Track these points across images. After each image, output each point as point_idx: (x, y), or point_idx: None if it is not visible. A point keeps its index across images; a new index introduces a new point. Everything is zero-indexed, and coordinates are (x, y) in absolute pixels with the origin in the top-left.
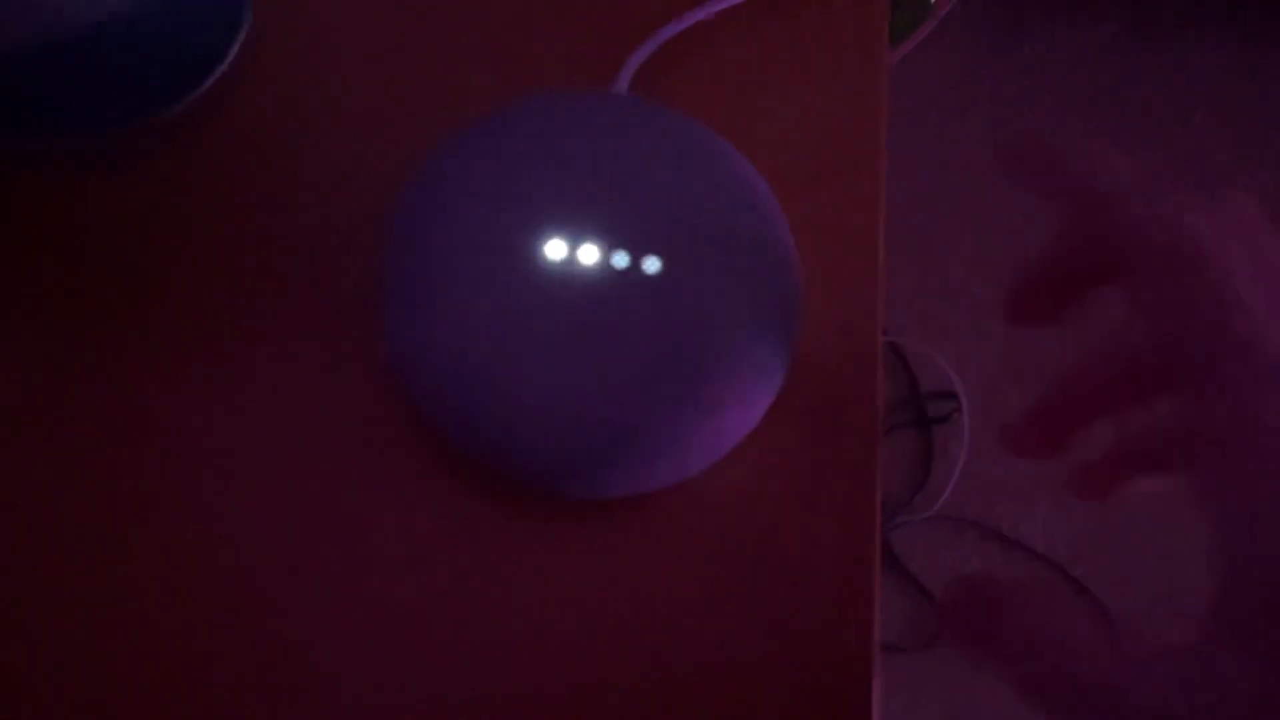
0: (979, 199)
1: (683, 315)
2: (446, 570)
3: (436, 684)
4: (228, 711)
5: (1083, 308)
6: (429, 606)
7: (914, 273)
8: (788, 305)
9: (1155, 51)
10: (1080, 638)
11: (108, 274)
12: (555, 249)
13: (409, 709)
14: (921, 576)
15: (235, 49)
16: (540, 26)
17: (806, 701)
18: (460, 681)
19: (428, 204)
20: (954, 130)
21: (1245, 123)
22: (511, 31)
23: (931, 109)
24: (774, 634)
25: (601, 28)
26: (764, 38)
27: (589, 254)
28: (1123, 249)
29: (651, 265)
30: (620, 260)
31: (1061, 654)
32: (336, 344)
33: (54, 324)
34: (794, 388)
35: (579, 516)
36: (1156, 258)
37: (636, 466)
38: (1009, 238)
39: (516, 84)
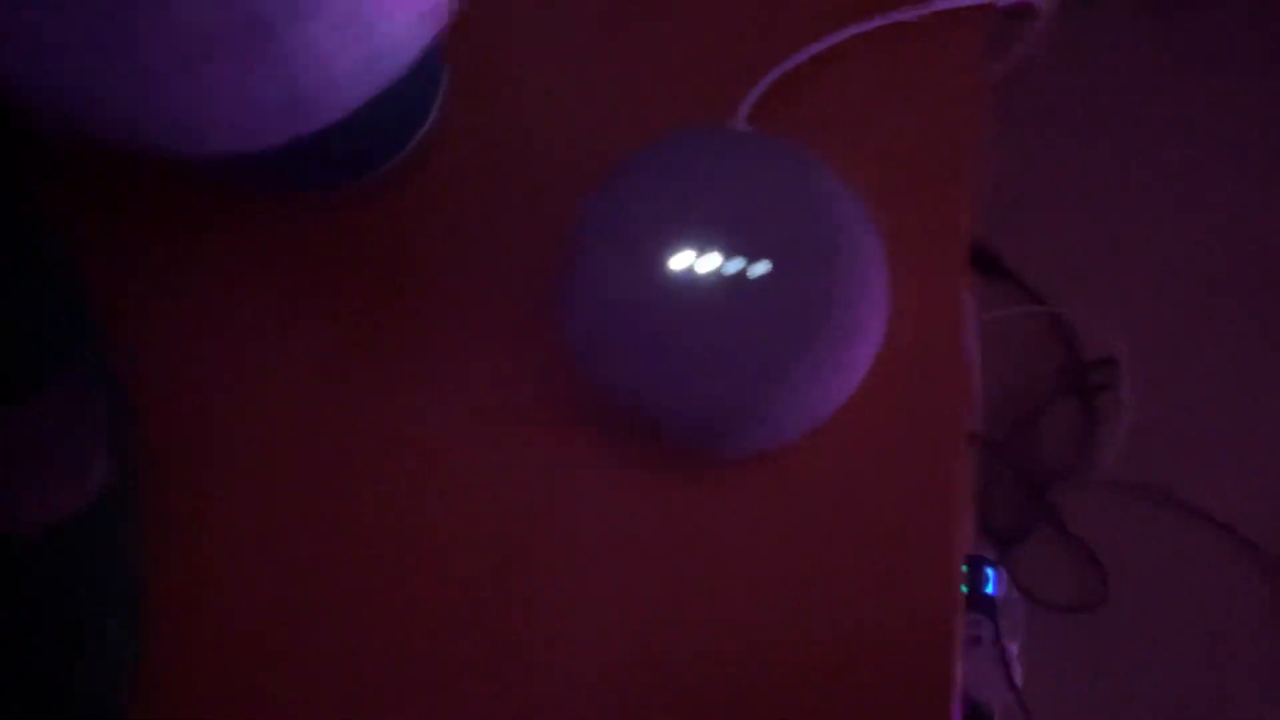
0: (1150, 166)
1: (781, 308)
2: (612, 514)
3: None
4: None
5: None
6: (592, 543)
7: (1080, 239)
8: (869, 303)
9: None
10: None
11: (352, 284)
12: (687, 258)
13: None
14: (1088, 540)
15: (434, 114)
16: (674, 70)
17: (891, 653)
18: (617, 601)
19: (597, 224)
20: (1122, 97)
21: None
22: (652, 77)
23: (1099, 75)
24: (863, 581)
25: (722, 68)
26: (866, 70)
27: (712, 261)
28: None
29: (760, 269)
30: (735, 265)
31: None
32: (519, 334)
33: (297, 322)
34: (882, 372)
35: (712, 472)
36: None
37: (753, 426)
38: (1179, 205)
39: (661, 119)
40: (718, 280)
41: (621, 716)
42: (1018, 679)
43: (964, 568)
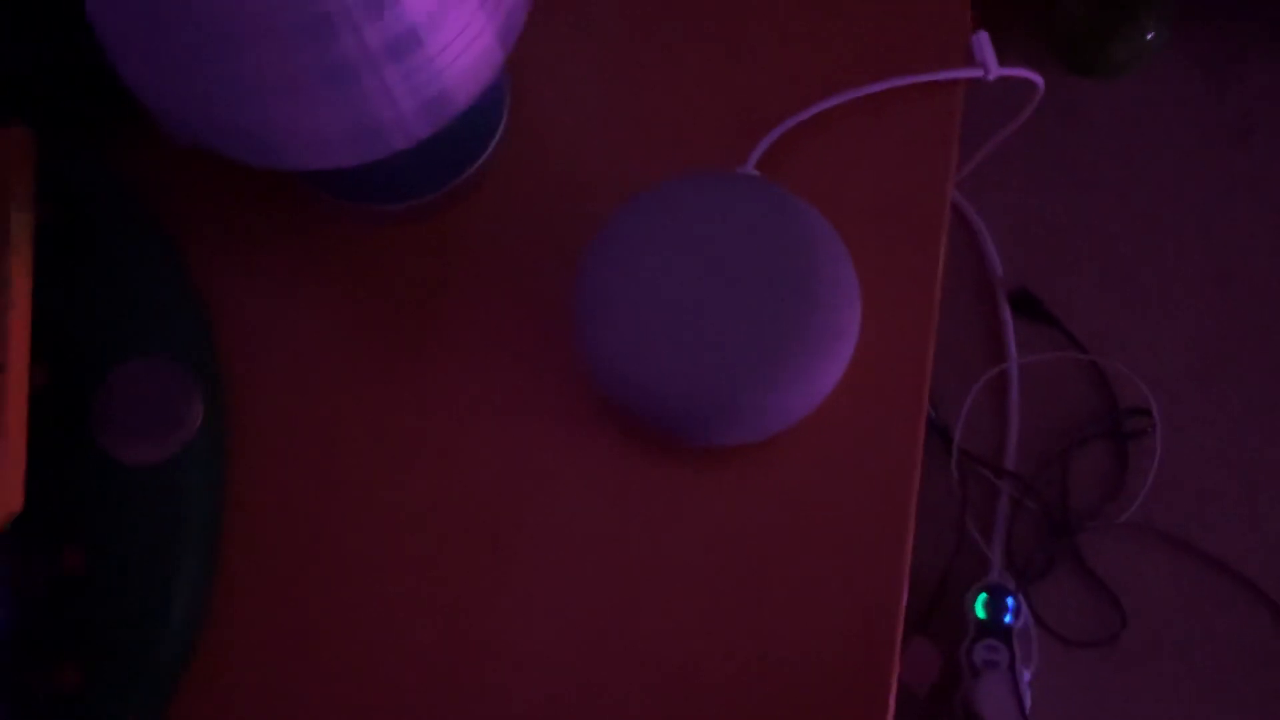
0: (1198, 229)
1: (763, 324)
2: (614, 496)
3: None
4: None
5: None
6: (591, 522)
7: (1125, 293)
8: (840, 325)
9: None
10: None
11: (405, 285)
12: (689, 278)
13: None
14: (1107, 580)
15: (493, 144)
16: (698, 121)
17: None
18: (604, 579)
19: (608, 252)
20: (1171, 164)
21: None
22: (677, 124)
23: (1147, 143)
24: (816, 568)
25: (741, 118)
26: (861, 128)
27: (706, 283)
28: None
29: (747, 288)
30: (730, 286)
31: None
32: (540, 337)
33: (364, 317)
34: (851, 388)
35: (698, 459)
36: None
37: (737, 422)
38: (1221, 270)
39: (679, 161)
40: (711, 296)
41: (594, 685)
42: (1027, 705)
43: (984, 594)
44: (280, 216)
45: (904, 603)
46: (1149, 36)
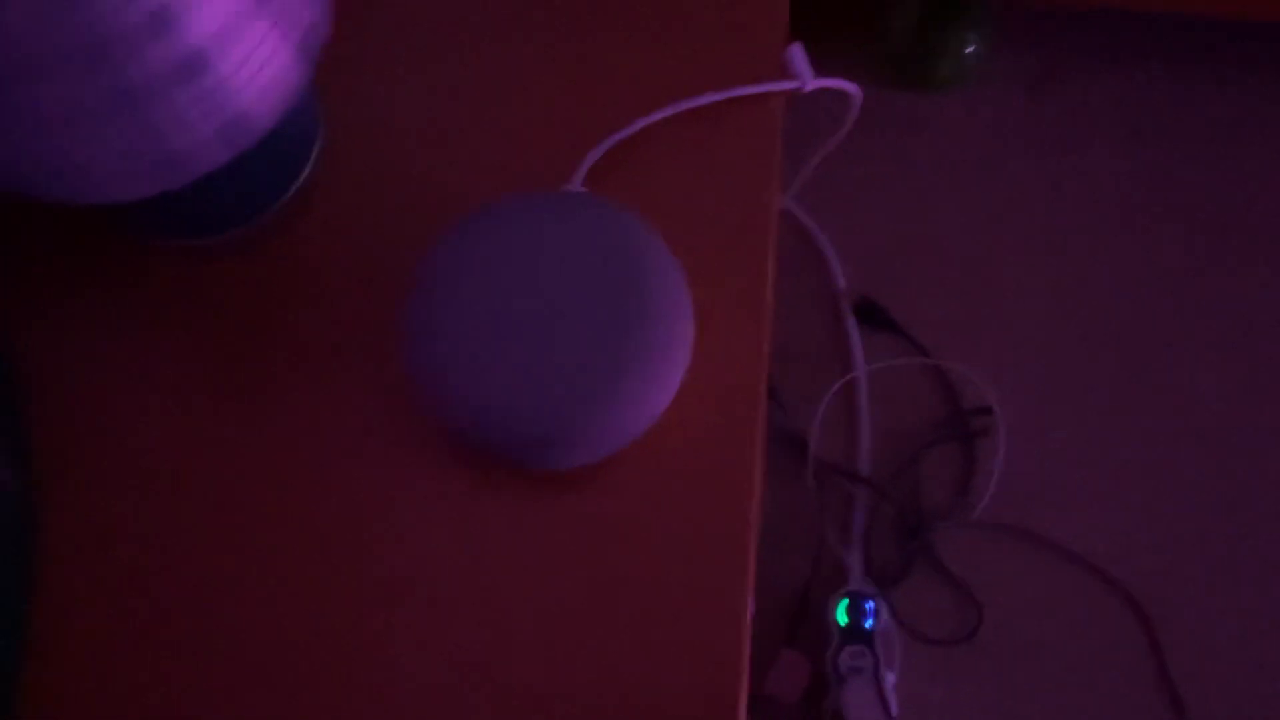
0: (1024, 235)
1: (594, 341)
2: (448, 524)
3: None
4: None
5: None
6: (425, 544)
7: (962, 298)
8: (673, 339)
9: (1196, 86)
10: None
11: (228, 323)
12: (519, 299)
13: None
14: (962, 576)
15: (309, 168)
16: (521, 138)
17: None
18: (452, 610)
19: (434, 278)
20: (999, 172)
21: None
22: (502, 141)
23: (975, 153)
24: (659, 585)
25: (566, 134)
26: (685, 142)
27: (538, 303)
28: None
29: (577, 307)
30: (561, 304)
31: None
32: (373, 365)
33: (185, 359)
34: (686, 401)
35: (535, 484)
36: None
37: (575, 443)
38: (1052, 271)
39: (506, 177)
40: (542, 315)
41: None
42: (894, 708)
43: (845, 601)
44: (90, 261)
45: (749, 615)
46: (969, 50)
